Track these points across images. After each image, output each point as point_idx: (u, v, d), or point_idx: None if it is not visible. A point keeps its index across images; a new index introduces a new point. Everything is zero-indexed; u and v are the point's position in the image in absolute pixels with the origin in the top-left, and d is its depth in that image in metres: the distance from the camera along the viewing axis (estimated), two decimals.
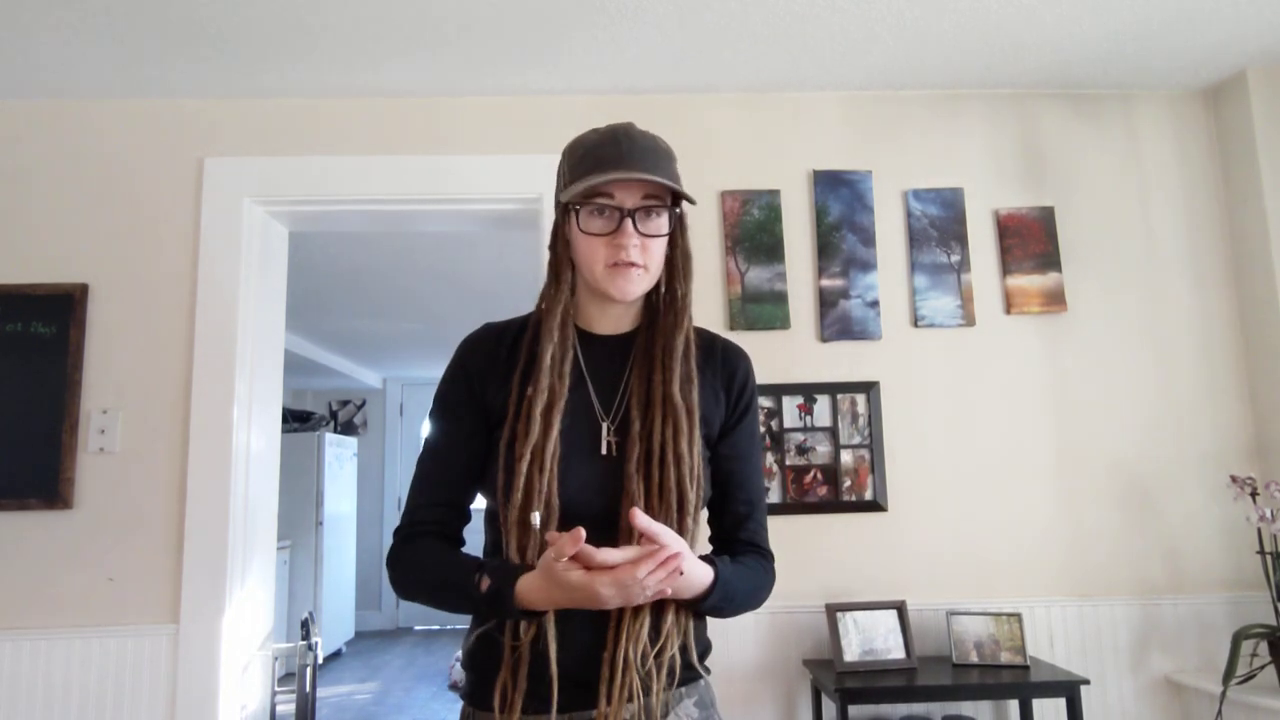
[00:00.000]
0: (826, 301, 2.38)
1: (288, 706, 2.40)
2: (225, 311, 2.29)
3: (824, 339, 2.37)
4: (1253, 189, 2.39)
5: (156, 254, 2.32)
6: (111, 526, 2.19)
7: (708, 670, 1.16)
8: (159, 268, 2.31)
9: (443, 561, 1.10)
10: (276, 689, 2.38)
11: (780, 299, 2.37)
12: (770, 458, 2.30)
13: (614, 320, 1.17)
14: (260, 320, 2.39)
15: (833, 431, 2.32)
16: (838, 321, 2.38)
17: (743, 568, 1.14)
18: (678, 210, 1.13)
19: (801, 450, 2.31)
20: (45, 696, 2.11)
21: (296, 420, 6.40)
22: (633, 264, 1.07)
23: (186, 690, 2.12)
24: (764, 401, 2.31)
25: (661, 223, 1.10)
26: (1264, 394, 2.36)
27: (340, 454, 6.79)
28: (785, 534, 2.29)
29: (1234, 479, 2.18)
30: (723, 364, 1.20)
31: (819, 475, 2.31)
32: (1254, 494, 2.14)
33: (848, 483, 2.31)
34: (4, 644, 2.13)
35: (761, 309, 2.36)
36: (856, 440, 2.32)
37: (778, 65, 2.32)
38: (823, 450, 2.32)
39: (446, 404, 1.17)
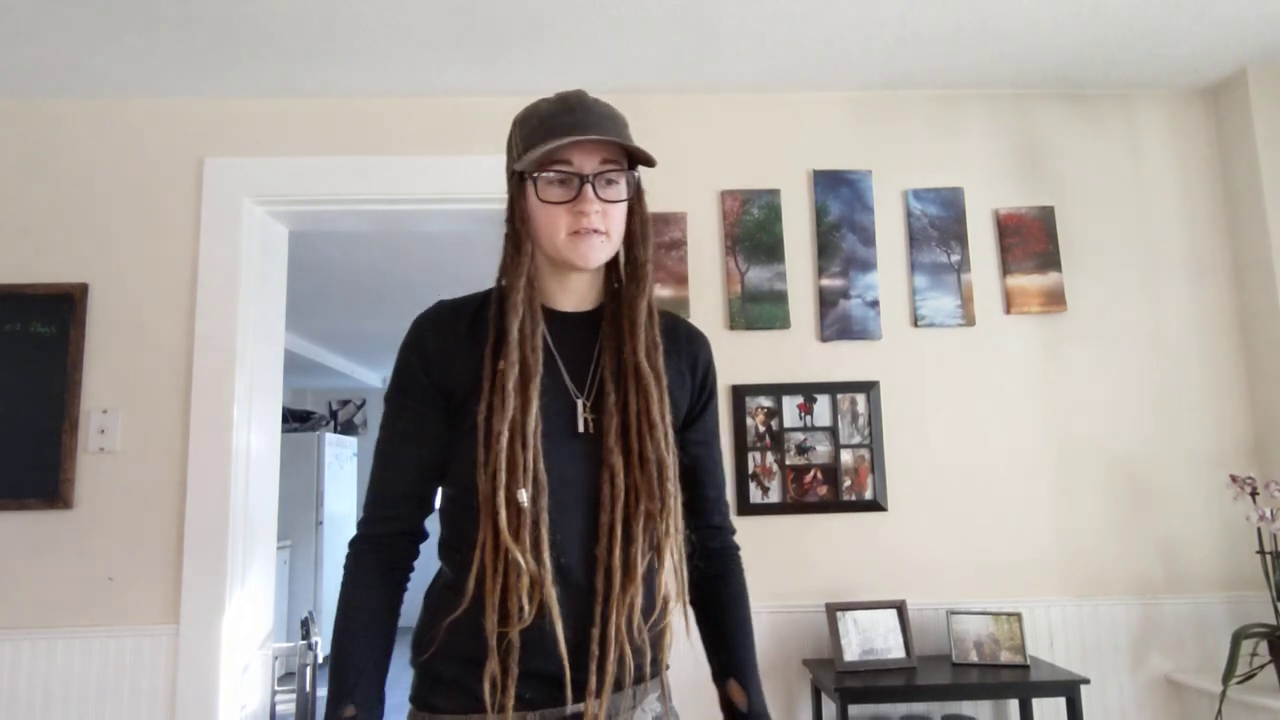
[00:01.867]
0: (826, 301, 2.38)
1: (288, 706, 2.40)
2: (225, 311, 2.29)
3: (824, 339, 2.37)
4: (1253, 189, 2.39)
5: (156, 254, 2.32)
6: (111, 526, 2.19)
7: (667, 665, 1.16)
8: (159, 268, 2.31)
9: (356, 635, 1.10)
10: (276, 689, 2.39)
11: (780, 299, 2.37)
12: (770, 457, 2.30)
13: (577, 296, 1.14)
14: (260, 320, 2.39)
15: (833, 431, 2.32)
16: (838, 321, 2.37)
17: (740, 623, 1.19)
18: (636, 174, 1.11)
19: (801, 450, 2.31)
20: (45, 696, 2.11)
21: (296, 420, 6.40)
22: (595, 230, 1.05)
23: (186, 690, 2.12)
24: (764, 401, 2.32)
25: (621, 188, 1.07)
26: (1264, 394, 2.36)
27: (340, 454, 6.79)
28: (785, 534, 2.29)
29: (1234, 479, 2.18)
30: (686, 346, 1.19)
31: (819, 475, 2.31)
32: (1254, 493, 2.14)
33: (848, 482, 2.31)
34: (4, 644, 2.13)
35: (761, 309, 2.36)
36: (856, 440, 2.32)
37: (778, 65, 2.32)
38: (823, 450, 2.32)
39: (402, 388, 1.11)
